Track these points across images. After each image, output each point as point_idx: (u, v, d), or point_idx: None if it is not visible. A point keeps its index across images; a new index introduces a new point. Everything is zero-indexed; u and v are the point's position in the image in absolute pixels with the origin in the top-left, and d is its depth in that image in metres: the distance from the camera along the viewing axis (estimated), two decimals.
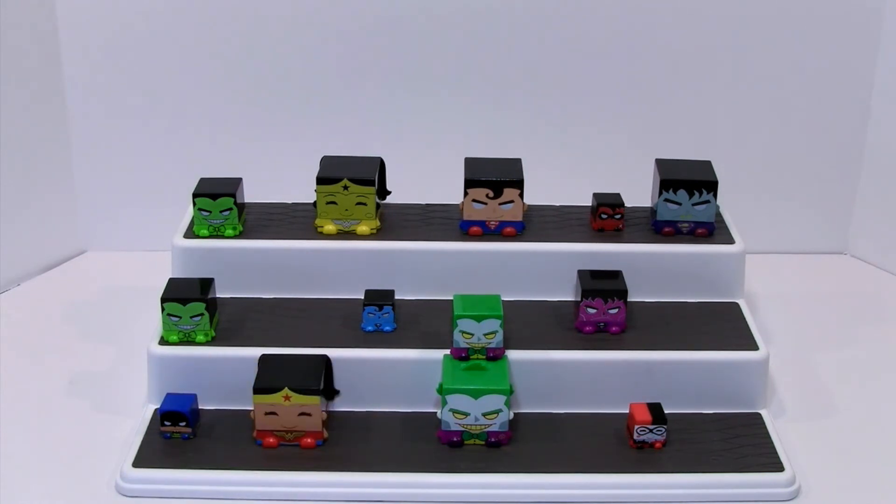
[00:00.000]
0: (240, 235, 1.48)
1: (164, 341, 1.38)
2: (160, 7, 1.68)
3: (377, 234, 1.48)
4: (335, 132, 1.74)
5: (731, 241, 1.49)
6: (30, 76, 1.68)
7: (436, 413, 1.34)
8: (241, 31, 1.70)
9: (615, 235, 1.50)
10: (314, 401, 1.30)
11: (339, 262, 1.47)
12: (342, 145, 1.60)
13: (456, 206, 1.54)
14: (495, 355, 1.34)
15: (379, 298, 1.41)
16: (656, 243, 1.48)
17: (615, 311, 1.40)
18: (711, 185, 1.48)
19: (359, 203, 1.47)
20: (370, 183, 1.46)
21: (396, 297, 1.43)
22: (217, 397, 1.38)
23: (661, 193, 1.48)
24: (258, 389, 1.30)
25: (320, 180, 1.46)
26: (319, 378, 1.32)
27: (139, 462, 1.29)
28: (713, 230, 1.49)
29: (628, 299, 1.41)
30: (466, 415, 1.31)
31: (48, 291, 1.71)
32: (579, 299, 1.41)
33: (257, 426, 1.32)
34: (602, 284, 1.41)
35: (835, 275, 1.79)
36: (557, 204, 1.56)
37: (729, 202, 1.57)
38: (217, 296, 1.44)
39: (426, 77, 1.72)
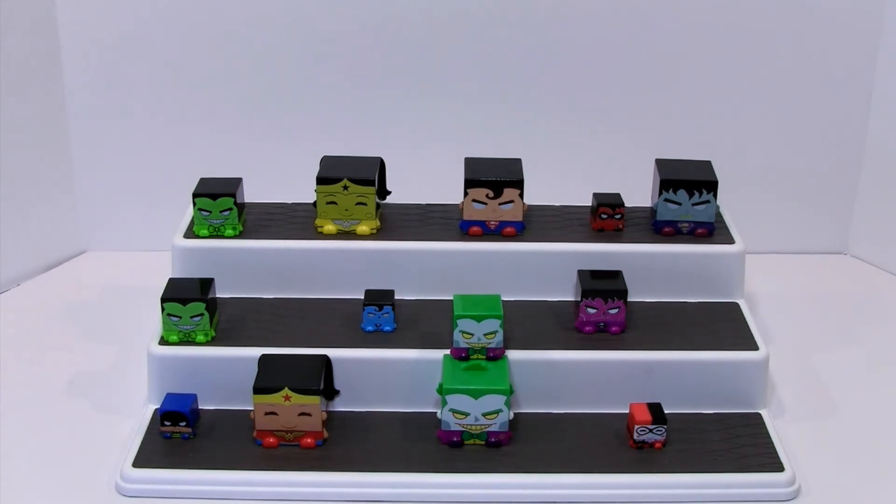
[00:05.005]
0: (240, 235, 1.48)
1: (164, 341, 1.38)
2: (160, 7, 1.68)
3: (377, 234, 1.48)
4: (335, 132, 1.74)
5: (731, 241, 1.49)
6: (30, 76, 1.68)
7: (436, 413, 1.34)
8: (240, 31, 1.70)
9: (615, 235, 1.50)
10: (314, 401, 1.30)
11: (339, 262, 1.47)
12: (342, 145, 1.60)
13: (456, 206, 1.54)
14: (495, 355, 1.34)
15: (379, 298, 1.41)
16: (656, 243, 1.48)
17: (615, 311, 1.40)
18: (711, 185, 1.48)
19: (359, 203, 1.47)
20: (370, 183, 1.46)
21: (396, 297, 1.43)
22: (217, 397, 1.38)
23: (661, 193, 1.48)
24: (258, 389, 1.30)
25: (320, 180, 1.46)
26: (319, 378, 1.32)
27: (139, 462, 1.29)
28: (713, 230, 1.49)
29: (628, 299, 1.41)
30: (466, 415, 1.31)
31: (48, 291, 1.71)
32: (579, 299, 1.41)
33: (257, 426, 1.32)
34: (602, 284, 1.41)
35: (835, 275, 1.79)
36: (557, 204, 1.56)
37: (729, 202, 1.57)
38: (217, 296, 1.44)
39: (426, 77, 1.72)
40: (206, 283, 1.40)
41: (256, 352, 1.36)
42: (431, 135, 1.76)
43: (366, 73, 1.72)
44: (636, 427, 1.31)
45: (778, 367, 1.47)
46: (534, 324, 1.43)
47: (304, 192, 1.52)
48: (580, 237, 1.49)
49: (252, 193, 1.54)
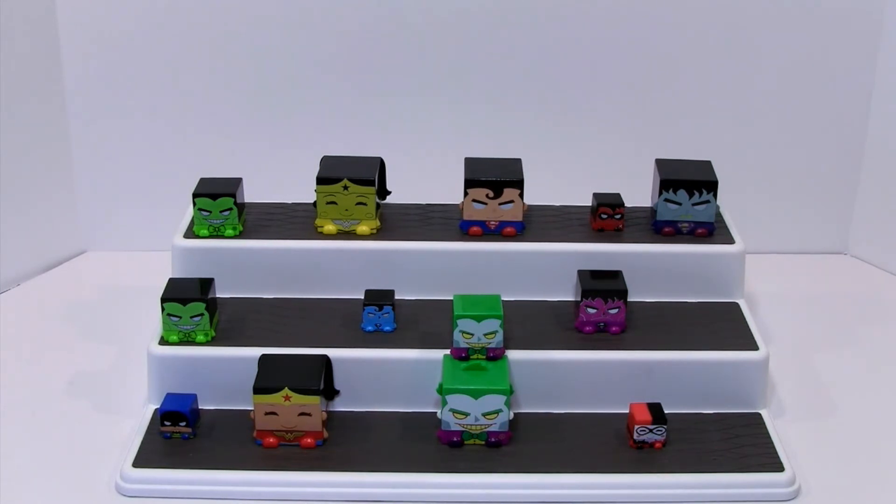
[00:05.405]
0: (240, 235, 1.48)
1: (164, 341, 1.38)
2: (160, 7, 1.68)
3: (377, 234, 1.48)
4: (335, 132, 1.74)
5: (731, 241, 1.49)
6: (30, 76, 1.68)
7: (436, 413, 1.34)
8: (241, 30, 1.70)
9: (615, 235, 1.50)
10: (314, 401, 1.30)
11: (339, 262, 1.47)
12: (342, 145, 1.60)
13: (456, 206, 1.54)
14: (495, 355, 1.34)
15: (379, 298, 1.41)
16: (656, 243, 1.48)
17: (615, 311, 1.40)
18: (711, 185, 1.48)
19: (359, 203, 1.47)
20: (370, 183, 1.46)
21: (396, 297, 1.43)
22: (217, 397, 1.38)
23: (661, 193, 1.48)
24: (258, 389, 1.30)
25: (320, 180, 1.46)
26: (319, 378, 1.32)
27: (139, 462, 1.29)
28: (713, 230, 1.49)
29: (628, 299, 1.41)
30: (466, 415, 1.31)
31: (48, 291, 1.71)
32: (579, 299, 1.41)
33: (257, 426, 1.32)
34: (602, 284, 1.41)
35: (835, 275, 1.79)
36: (557, 204, 1.56)
37: (729, 202, 1.57)
38: (217, 296, 1.44)
39: (426, 77, 1.72)
40: (206, 283, 1.40)
41: (256, 352, 1.36)
42: (431, 135, 1.76)
43: (366, 73, 1.72)
44: (636, 427, 1.31)
45: (778, 367, 1.47)
46: (534, 324, 1.43)
47: (304, 192, 1.52)
48: (580, 237, 1.49)
49: (252, 193, 1.54)
